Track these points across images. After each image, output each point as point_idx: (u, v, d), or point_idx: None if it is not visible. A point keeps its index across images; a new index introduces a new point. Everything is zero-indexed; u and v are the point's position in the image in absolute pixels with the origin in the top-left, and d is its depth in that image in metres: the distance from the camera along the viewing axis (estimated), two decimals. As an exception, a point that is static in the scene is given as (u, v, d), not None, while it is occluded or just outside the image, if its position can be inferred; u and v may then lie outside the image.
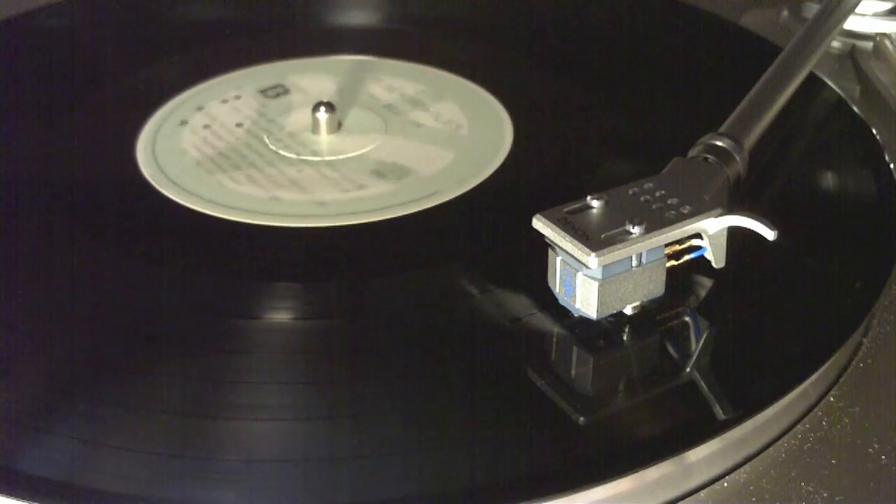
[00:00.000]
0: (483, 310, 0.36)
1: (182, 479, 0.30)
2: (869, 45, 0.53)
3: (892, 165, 0.44)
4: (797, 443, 0.33)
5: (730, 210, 0.35)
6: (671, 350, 0.34)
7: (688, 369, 0.34)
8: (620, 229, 0.34)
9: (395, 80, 0.51)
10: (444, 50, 0.54)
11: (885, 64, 0.51)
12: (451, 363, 0.34)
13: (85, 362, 0.35)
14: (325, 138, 0.47)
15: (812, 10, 0.54)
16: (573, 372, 0.34)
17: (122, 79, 0.52)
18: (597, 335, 0.35)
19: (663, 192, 0.35)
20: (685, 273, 0.36)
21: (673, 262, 0.35)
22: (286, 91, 0.51)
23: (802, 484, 0.32)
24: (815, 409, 0.34)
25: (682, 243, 0.35)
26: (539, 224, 0.34)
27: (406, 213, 0.42)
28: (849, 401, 0.35)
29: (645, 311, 0.35)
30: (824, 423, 0.34)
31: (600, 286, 0.33)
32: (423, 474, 0.31)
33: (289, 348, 0.35)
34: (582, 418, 0.32)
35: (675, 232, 0.34)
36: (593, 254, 0.33)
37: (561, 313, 0.35)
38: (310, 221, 0.41)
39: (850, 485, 0.32)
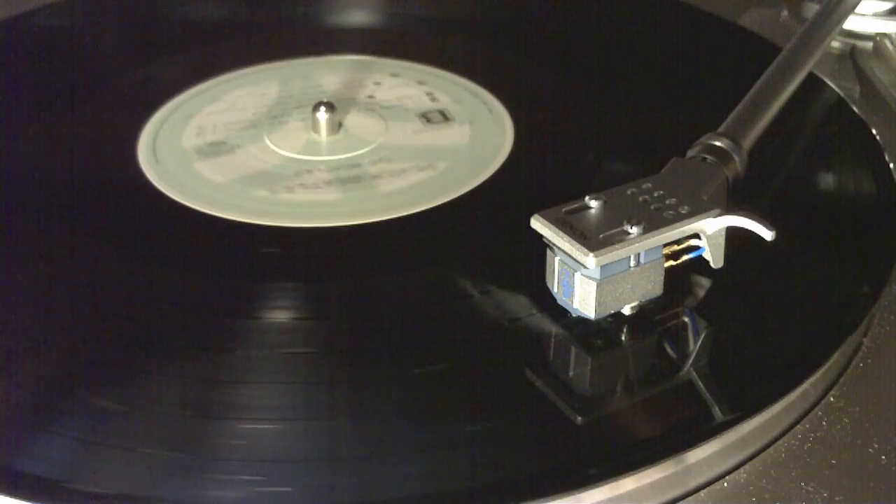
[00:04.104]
0: (482, 310, 0.36)
1: (182, 479, 0.31)
2: (869, 45, 0.53)
3: (892, 165, 0.44)
4: (797, 443, 0.33)
5: (728, 210, 0.35)
6: (670, 350, 0.34)
7: (686, 369, 0.34)
8: (619, 229, 0.34)
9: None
10: (444, 50, 0.54)
11: (885, 64, 0.51)
12: (450, 363, 0.34)
13: (85, 362, 0.35)
14: (325, 138, 0.47)
15: (812, 10, 0.54)
16: (571, 372, 0.34)
17: (123, 79, 0.52)
18: (595, 335, 0.35)
19: (662, 192, 0.35)
20: (683, 273, 0.36)
21: (671, 263, 0.35)
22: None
23: (802, 484, 0.32)
24: (815, 409, 0.34)
25: (681, 243, 0.35)
26: (537, 224, 0.34)
27: (406, 213, 0.42)
28: (849, 401, 0.35)
29: (643, 311, 0.35)
30: (824, 423, 0.34)
31: (598, 286, 0.33)
32: (422, 474, 0.31)
33: (289, 348, 0.35)
34: (580, 418, 0.32)
35: (673, 232, 0.34)
36: (591, 254, 0.33)
37: (559, 313, 0.35)
38: (310, 221, 0.41)
39: (850, 485, 0.32)
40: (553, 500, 0.30)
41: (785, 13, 0.58)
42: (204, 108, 0.49)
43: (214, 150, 0.46)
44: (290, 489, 0.30)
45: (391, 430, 0.32)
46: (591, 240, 0.33)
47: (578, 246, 0.33)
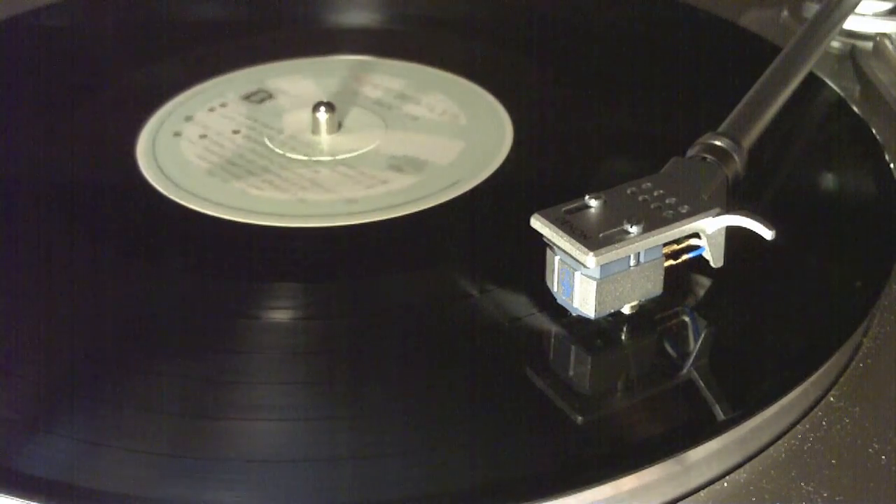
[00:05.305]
0: (482, 310, 0.36)
1: (182, 479, 0.31)
2: (869, 45, 0.53)
3: (892, 165, 0.44)
4: (797, 443, 0.33)
5: (728, 209, 0.35)
6: (670, 350, 0.34)
7: (686, 369, 0.34)
8: (618, 229, 0.34)
9: (394, 80, 0.51)
10: (443, 50, 0.54)
11: (885, 64, 0.51)
12: (450, 363, 0.34)
13: (85, 362, 0.35)
14: (324, 138, 0.47)
15: (812, 10, 0.54)
16: (571, 372, 0.34)
17: (123, 79, 0.52)
18: (595, 335, 0.35)
19: (661, 191, 0.35)
20: (683, 273, 0.36)
21: (671, 262, 0.35)
22: (286, 91, 0.51)
23: (802, 484, 0.32)
24: (815, 409, 0.34)
25: (681, 243, 0.35)
26: (537, 223, 0.34)
27: (406, 213, 0.42)
28: (849, 401, 0.35)
29: (643, 310, 0.35)
30: (824, 423, 0.34)
31: (598, 286, 0.33)
32: (422, 474, 0.31)
33: (289, 348, 0.35)
34: (580, 418, 0.32)
35: (673, 231, 0.34)
36: (591, 253, 0.33)
37: (559, 313, 0.35)
38: (310, 221, 0.41)
39: (850, 485, 0.32)
40: (553, 500, 0.30)
41: (785, 13, 0.58)
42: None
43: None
44: (289, 489, 0.30)
45: (391, 430, 0.32)
46: (591, 239, 0.33)
47: (578, 245, 0.33)
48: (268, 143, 0.47)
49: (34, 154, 0.46)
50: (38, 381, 0.34)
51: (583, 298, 0.34)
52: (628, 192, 0.36)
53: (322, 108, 0.47)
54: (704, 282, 0.36)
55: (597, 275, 0.33)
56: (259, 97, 0.50)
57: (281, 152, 0.46)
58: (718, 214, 0.35)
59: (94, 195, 0.44)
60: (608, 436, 0.32)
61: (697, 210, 0.35)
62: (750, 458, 0.33)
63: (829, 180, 0.44)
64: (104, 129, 0.48)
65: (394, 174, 0.44)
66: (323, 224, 0.41)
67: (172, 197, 0.43)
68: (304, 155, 0.46)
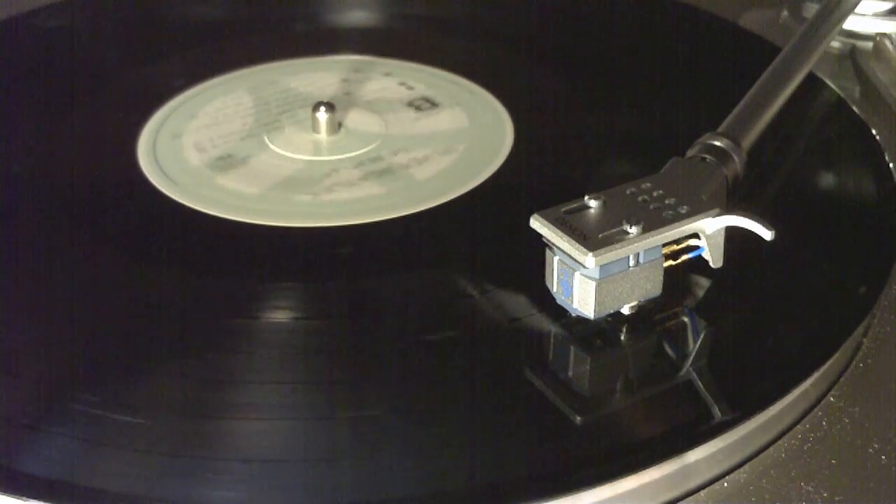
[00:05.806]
0: (482, 310, 0.36)
1: (182, 479, 0.31)
2: (869, 45, 0.53)
3: (892, 165, 0.44)
4: (797, 443, 0.33)
5: (727, 210, 0.35)
6: (669, 350, 0.34)
7: (686, 369, 0.34)
8: (618, 229, 0.34)
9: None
10: (444, 50, 0.54)
11: (885, 64, 0.51)
12: (450, 363, 0.34)
13: (85, 362, 0.35)
14: (324, 138, 0.47)
15: (812, 10, 0.54)
16: (571, 372, 0.34)
17: (123, 79, 0.52)
18: (594, 335, 0.35)
19: (661, 191, 0.35)
20: (683, 273, 0.36)
21: (670, 262, 0.35)
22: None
23: (802, 484, 0.32)
24: (815, 409, 0.34)
25: (680, 243, 0.35)
26: (537, 224, 0.34)
27: (406, 213, 0.42)
28: (849, 401, 0.35)
29: (642, 310, 0.35)
30: (824, 423, 0.34)
31: (598, 286, 0.33)
32: (422, 474, 0.31)
33: (289, 348, 0.35)
34: (580, 418, 0.32)
35: (672, 232, 0.34)
36: (590, 253, 0.33)
37: (559, 313, 0.35)
38: (310, 221, 0.41)
39: (850, 485, 0.32)
40: (553, 500, 0.30)
41: (785, 13, 0.58)
42: (204, 109, 0.49)
43: (214, 151, 0.46)
44: (290, 489, 0.30)
45: (391, 430, 0.32)
46: (591, 239, 0.33)
47: (578, 245, 0.33)
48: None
49: (35, 154, 0.46)
50: (38, 381, 0.34)
51: (582, 299, 0.34)
52: (628, 192, 0.36)
53: (322, 108, 0.47)
54: (704, 282, 0.36)
55: (596, 275, 0.33)
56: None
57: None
58: (718, 215, 0.35)
59: (94, 195, 0.44)
60: (607, 436, 0.32)
61: (697, 210, 0.35)
62: (750, 458, 0.33)
63: (829, 180, 0.44)
64: (104, 129, 0.48)
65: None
66: (323, 224, 0.41)
67: (173, 196, 0.43)
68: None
